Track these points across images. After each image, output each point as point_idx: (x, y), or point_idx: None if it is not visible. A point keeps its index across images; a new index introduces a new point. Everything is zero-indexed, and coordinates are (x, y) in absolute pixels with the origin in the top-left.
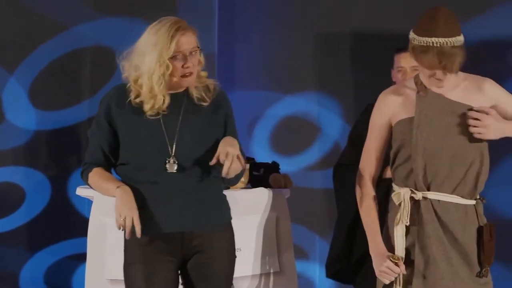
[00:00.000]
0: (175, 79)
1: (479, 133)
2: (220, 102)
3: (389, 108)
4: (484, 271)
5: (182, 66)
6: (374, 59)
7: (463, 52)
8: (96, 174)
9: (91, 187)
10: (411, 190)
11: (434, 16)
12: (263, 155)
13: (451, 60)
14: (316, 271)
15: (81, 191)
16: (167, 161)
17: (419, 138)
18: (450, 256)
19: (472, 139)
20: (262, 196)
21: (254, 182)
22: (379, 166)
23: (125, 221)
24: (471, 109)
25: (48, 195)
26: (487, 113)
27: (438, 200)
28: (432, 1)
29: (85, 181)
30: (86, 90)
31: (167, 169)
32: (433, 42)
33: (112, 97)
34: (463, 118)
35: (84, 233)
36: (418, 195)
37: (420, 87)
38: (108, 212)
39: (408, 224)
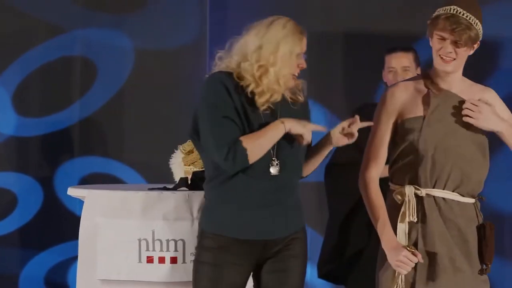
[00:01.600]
0: (287, 76)
1: (471, 117)
2: (306, 102)
3: (397, 104)
4: (486, 268)
5: (298, 66)
6: (365, 59)
7: (477, 35)
8: (248, 138)
9: (252, 157)
10: (415, 187)
11: None
12: None
13: (462, 27)
14: (307, 270)
15: (73, 191)
16: (271, 163)
17: (430, 136)
18: (453, 252)
19: (477, 138)
20: None
21: None
22: (383, 162)
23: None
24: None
25: (41, 198)
26: (486, 103)
27: (443, 198)
28: (423, 2)
29: (242, 160)
30: (72, 96)
31: (270, 172)
32: (450, 9)
33: (224, 80)
34: None
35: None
36: (422, 192)
37: (432, 85)
38: (99, 212)
39: (415, 220)
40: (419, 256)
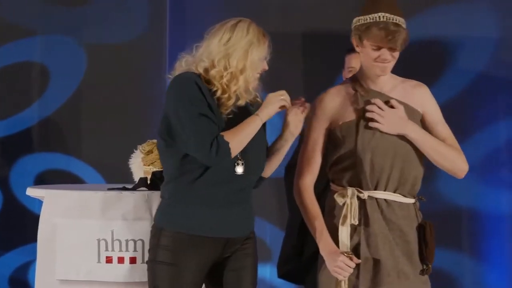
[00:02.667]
0: (254, 80)
1: (375, 122)
2: (261, 103)
3: (328, 112)
4: (427, 269)
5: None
6: (325, 59)
7: (407, 34)
8: (229, 133)
9: (234, 151)
10: (357, 189)
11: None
12: None
13: (396, 35)
14: (267, 270)
15: (31, 191)
16: (237, 162)
17: (366, 138)
18: (396, 254)
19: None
20: None
21: None
22: (317, 169)
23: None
24: (386, 101)
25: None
26: (392, 107)
27: (384, 199)
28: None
29: (225, 152)
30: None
31: (236, 171)
32: (379, 17)
33: (197, 80)
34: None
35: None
36: (365, 195)
37: (360, 87)
38: (58, 212)
39: (356, 223)
40: (357, 260)
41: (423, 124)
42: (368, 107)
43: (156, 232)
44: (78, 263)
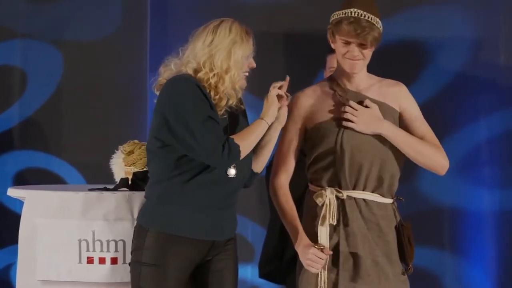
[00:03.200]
0: (241, 79)
1: (350, 122)
2: (242, 105)
3: (303, 112)
4: (409, 268)
5: (248, 66)
6: (307, 59)
7: (380, 35)
8: (239, 136)
9: (243, 154)
10: (336, 190)
11: None
12: None
13: (366, 30)
14: (249, 270)
15: (12, 192)
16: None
17: (344, 138)
18: (375, 253)
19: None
20: None
21: None
22: (292, 168)
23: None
24: (361, 101)
25: None
26: (367, 107)
27: (363, 199)
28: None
29: (236, 155)
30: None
31: (229, 174)
32: (350, 12)
33: (197, 83)
34: (384, 116)
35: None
36: (343, 194)
37: (337, 87)
38: (39, 213)
39: (335, 223)
40: (328, 252)
41: (401, 122)
42: (343, 108)
43: (142, 232)
44: (59, 263)
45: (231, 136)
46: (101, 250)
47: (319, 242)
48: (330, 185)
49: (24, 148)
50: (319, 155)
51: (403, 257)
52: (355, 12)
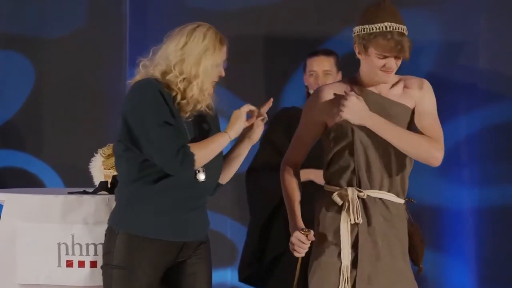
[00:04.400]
0: (209, 86)
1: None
2: (214, 109)
3: (324, 107)
4: (421, 269)
5: (217, 74)
6: (286, 62)
7: (411, 42)
8: (196, 145)
9: (198, 163)
10: (357, 189)
11: (382, 6)
12: None
13: (405, 46)
14: (228, 274)
15: None
16: (197, 170)
17: (361, 137)
18: (393, 251)
19: None
20: None
21: None
22: (303, 159)
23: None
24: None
25: None
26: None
27: (380, 198)
28: (342, 7)
29: (190, 164)
30: None
31: (198, 178)
32: (385, 27)
33: (159, 87)
34: (398, 117)
35: None
36: (365, 194)
37: (356, 87)
38: (18, 216)
39: (361, 221)
40: (311, 237)
41: (412, 115)
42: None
43: (111, 235)
44: (39, 267)
45: (188, 144)
46: (81, 254)
47: (341, 240)
48: (349, 184)
49: (2, 146)
50: (337, 153)
51: (415, 257)
52: (390, 26)
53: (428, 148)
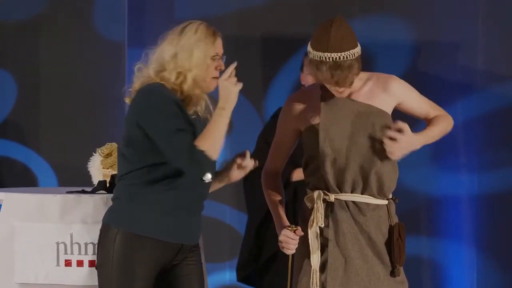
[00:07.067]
0: (207, 80)
1: (391, 153)
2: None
3: (296, 114)
4: (396, 270)
5: (215, 68)
6: (283, 62)
7: (359, 63)
8: (201, 140)
9: (214, 153)
10: (323, 192)
11: (327, 29)
12: None
13: (343, 75)
14: (227, 274)
15: None
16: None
17: (326, 142)
18: (365, 253)
19: (378, 139)
20: None
21: None
22: (283, 165)
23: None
24: (387, 126)
25: None
26: (401, 130)
27: (352, 201)
28: (336, 6)
29: (205, 161)
30: None
31: (205, 179)
32: (326, 57)
33: (168, 92)
34: (369, 119)
35: None
36: (331, 197)
37: (325, 91)
38: (17, 215)
39: (323, 225)
40: (299, 232)
41: (404, 110)
42: (385, 141)
43: (110, 234)
44: (37, 266)
45: (194, 142)
46: (79, 253)
47: (310, 244)
48: (318, 188)
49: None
50: (308, 158)
51: (396, 259)
52: (328, 57)
53: (449, 122)
